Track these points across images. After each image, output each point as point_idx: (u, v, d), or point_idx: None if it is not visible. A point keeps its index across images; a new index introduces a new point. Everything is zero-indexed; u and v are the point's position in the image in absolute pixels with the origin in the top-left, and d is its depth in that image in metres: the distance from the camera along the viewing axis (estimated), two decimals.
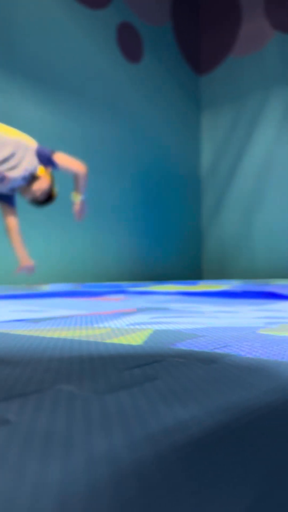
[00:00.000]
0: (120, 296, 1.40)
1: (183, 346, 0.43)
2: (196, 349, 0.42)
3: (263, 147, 4.56)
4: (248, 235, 4.53)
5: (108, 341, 0.44)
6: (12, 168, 1.96)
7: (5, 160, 1.92)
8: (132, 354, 0.37)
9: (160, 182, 4.40)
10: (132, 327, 0.60)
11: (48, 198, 2.04)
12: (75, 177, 2.10)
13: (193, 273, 4.81)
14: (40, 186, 1.98)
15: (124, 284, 3.14)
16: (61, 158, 2.04)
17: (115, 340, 0.45)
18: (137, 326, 0.60)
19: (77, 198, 2.07)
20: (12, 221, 2.27)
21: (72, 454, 0.18)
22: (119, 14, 3.99)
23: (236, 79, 4.79)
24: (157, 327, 0.59)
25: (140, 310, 0.88)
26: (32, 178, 2.00)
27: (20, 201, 3.05)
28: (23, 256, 2.26)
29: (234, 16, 4.82)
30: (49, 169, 2.00)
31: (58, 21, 3.44)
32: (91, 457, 0.17)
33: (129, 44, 4.08)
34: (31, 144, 1.94)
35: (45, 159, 1.99)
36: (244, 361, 0.38)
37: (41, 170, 2.01)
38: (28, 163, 1.96)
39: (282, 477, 0.16)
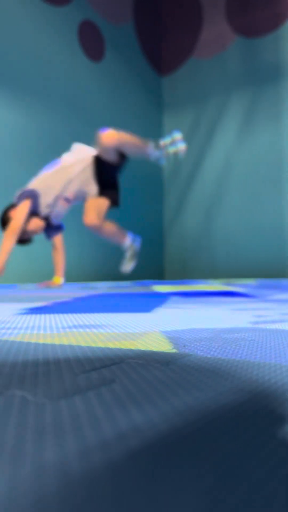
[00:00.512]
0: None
1: (143, 347, 0.43)
2: (155, 349, 0.42)
3: (223, 149, 4.64)
4: (209, 236, 4.60)
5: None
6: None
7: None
8: (90, 357, 0.36)
9: (122, 182, 4.39)
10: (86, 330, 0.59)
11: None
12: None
13: (155, 273, 4.84)
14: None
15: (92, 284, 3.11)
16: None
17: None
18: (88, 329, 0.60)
19: None
20: (58, 242, 2.71)
21: (20, 464, 0.17)
22: (81, 11, 3.95)
23: (198, 80, 4.86)
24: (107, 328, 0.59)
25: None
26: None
27: None
28: (57, 276, 2.66)
29: (196, 18, 4.88)
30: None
31: (17, 17, 3.37)
32: (40, 466, 0.17)
33: (91, 42, 4.05)
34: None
35: None
36: (202, 361, 0.38)
37: None
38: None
39: (235, 480, 0.16)
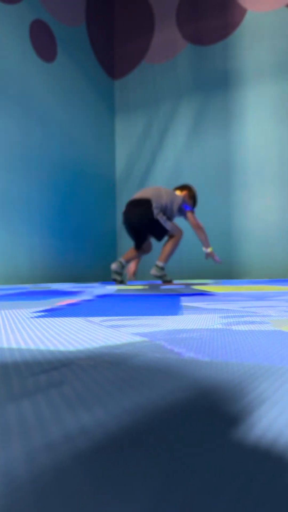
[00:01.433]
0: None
1: (94, 347, 0.43)
2: (106, 350, 0.42)
3: (174, 153, 4.71)
4: None
5: None
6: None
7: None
8: (39, 359, 0.35)
9: (75, 183, 4.36)
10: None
11: None
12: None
13: (108, 274, 4.82)
14: None
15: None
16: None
17: None
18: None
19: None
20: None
21: None
22: (32, 11, 3.89)
23: (149, 85, 4.90)
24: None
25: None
26: None
27: None
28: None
29: (148, 24, 4.93)
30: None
31: None
32: None
33: (43, 42, 3.99)
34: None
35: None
36: (152, 360, 0.38)
37: None
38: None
39: (183, 480, 0.17)
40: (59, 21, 4.21)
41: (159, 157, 4.79)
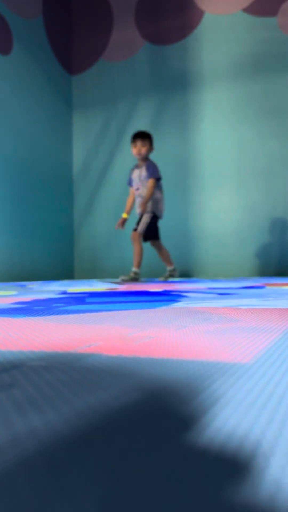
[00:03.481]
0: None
1: (47, 348, 0.42)
2: (59, 350, 0.42)
3: (131, 152, 4.71)
4: (118, 235, 4.64)
5: None
6: None
7: None
8: None
9: (30, 180, 4.27)
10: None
11: None
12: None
13: (65, 272, 4.77)
14: None
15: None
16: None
17: None
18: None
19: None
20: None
21: None
22: None
23: (107, 82, 4.88)
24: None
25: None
26: None
27: None
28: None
29: (106, 21, 4.90)
30: None
31: None
32: None
33: None
34: None
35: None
36: (106, 360, 0.38)
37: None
38: None
39: (132, 483, 0.17)
40: (15, 13, 4.11)
41: (117, 155, 4.78)
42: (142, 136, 3.27)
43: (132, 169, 3.40)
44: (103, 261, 4.76)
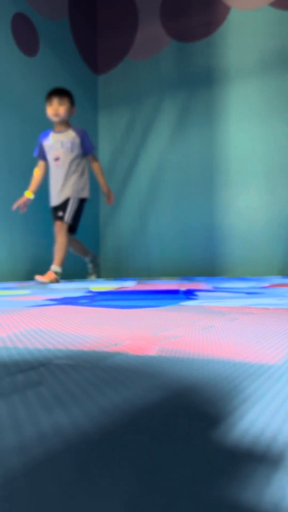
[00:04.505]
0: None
1: (74, 346, 0.42)
2: (85, 349, 0.42)
3: (157, 151, 4.71)
4: (144, 234, 4.65)
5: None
6: None
7: None
8: (15, 359, 0.35)
9: None
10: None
11: None
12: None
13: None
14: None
15: None
16: None
17: None
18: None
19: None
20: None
21: None
22: (14, 4, 3.84)
23: (132, 81, 4.89)
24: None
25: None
26: None
27: None
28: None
29: (132, 20, 4.91)
30: None
31: None
32: None
33: (25, 36, 3.95)
34: None
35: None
36: (131, 359, 0.38)
37: None
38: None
39: (158, 482, 0.16)
40: (41, 14, 4.17)
41: (142, 154, 4.79)
42: (59, 93, 2.68)
43: (44, 136, 2.78)
44: (128, 261, 4.77)
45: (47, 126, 4.21)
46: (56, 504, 0.14)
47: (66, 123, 2.68)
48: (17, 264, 3.77)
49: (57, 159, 2.60)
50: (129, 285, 2.29)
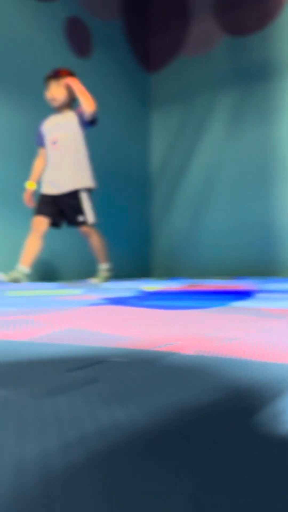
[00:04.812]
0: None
1: (128, 345, 0.43)
2: (139, 348, 0.43)
3: (211, 148, 4.66)
4: (197, 233, 4.62)
5: None
6: None
7: None
8: (73, 355, 0.36)
9: (108, 180, 4.39)
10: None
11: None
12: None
13: (142, 271, 4.84)
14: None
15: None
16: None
17: None
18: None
19: None
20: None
21: (0, 461, 0.17)
22: (67, 8, 3.94)
23: (186, 78, 4.87)
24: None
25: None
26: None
27: None
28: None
29: (184, 16, 4.88)
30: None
31: (3, 13, 3.35)
32: (20, 462, 0.17)
33: (78, 38, 4.04)
34: None
35: None
36: (187, 359, 0.38)
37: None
38: None
39: (215, 481, 0.17)
40: (94, 16, 4.24)
41: (196, 151, 4.75)
42: (56, 76, 2.38)
43: (44, 122, 2.49)
44: (181, 260, 4.76)
45: (103, 129, 4.29)
46: (115, 496, 0.15)
47: (68, 105, 2.40)
48: (66, 264, 3.87)
49: (54, 142, 2.35)
50: (181, 285, 2.29)
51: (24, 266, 2.28)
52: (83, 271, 3.94)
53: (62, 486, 0.15)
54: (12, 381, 0.28)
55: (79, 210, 2.34)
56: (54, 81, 2.35)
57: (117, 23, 4.56)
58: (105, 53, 4.37)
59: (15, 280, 2.22)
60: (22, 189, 2.83)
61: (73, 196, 2.34)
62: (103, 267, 2.49)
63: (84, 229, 2.37)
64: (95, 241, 2.42)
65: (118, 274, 4.41)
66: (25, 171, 3.09)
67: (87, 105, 2.32)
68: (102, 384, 0.29)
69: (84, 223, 2.34)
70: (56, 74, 2.37)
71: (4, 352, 0.37)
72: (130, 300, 1.12)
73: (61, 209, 2.41)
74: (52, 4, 3.75)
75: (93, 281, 2.44)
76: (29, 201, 2.43)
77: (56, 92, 2.34)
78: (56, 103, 2.37)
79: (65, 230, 3.78)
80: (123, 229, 4.57)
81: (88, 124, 2.43)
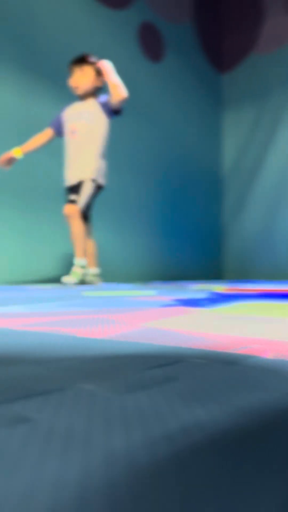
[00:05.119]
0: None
1: (205, 346, 0.43)
2: (217, 349, 0.42)
3: (286, 146, 4.50)
4: (270, 234, 4.48)
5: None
6: None
7: None
8: (152, 354, 0.37)
9: (179, 181, 4.39)
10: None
11: None
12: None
13: (213, 273, 4.78)
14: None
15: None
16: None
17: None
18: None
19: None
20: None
21: (91, 452, 0.18)
22: (140, 14, 4.00)
23: (258, 76, 4.75)
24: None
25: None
26: None
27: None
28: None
29: (256, 13, 4.77)
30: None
31: (79, 21, 3.48)
32: (109, 454, 0.18)
33: (151, 43, 4.09)
34: None
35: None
36: (266, 363, 0.37)
37: None
38: None
39: None
40: (166, 20, 4.27)
41: (270, 150, 4.62)
42: (80, 62, 2.24)
43: (65, 109, 2.36)
44: (253, 262, 4.64)
45: (176, 131, 4.30)
46: (202, 495, 0.15)
47: (92, 94, 2.27)
48: (145, 266, 3.91)
49: (73, 132, 2.22)
50: (255, 287, 2.23)
51: (81, 259, 2.17)
52: (153, 273, 3.98)
53: (149, 480, 0.16)
54: (95, 376, 0.29)
55: (76, 190, 2.18)
56: (78, 68, 2.22)
57: (189, 25, 4.56)
58: (177, 55, 4.39)
59: (86, 282, 2.18)
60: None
61: (81, 183, 2.20)
62: (79, 262, 2.18)
63: (70, 209, 2.15)
64: (76, 227, 2.14)
65: (189, 275, 4.39)
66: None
67: (118, 91, 2.18)
68: (182, 383, 0.29)
69: (73, 202, 2.15)
70: (82, 60, 2.24)
71: (86, 349, 0.39)
72: (202, 302, 1.11)
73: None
74: (125, 11, 3.84)
75: (66, 279, 2.13)
76: (3, 162, 2.27)
77: (80, 79, 2.22)
78: (79, 91, 2.24)
79: (138, 234, 3.83)
80: (194, 230, 4.55)
81: (112, 113, 2.29)
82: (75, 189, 2.19)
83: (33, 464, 0.17)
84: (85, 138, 2.22)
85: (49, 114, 3.20)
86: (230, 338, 0.50)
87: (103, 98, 2.28)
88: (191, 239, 4.52)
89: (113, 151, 3.66)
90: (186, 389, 0.27)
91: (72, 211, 2.14)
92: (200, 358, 0.36)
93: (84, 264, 2.19)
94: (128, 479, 0.16)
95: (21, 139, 2.60)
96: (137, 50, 3.96)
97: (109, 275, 3.54)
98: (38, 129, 3.12)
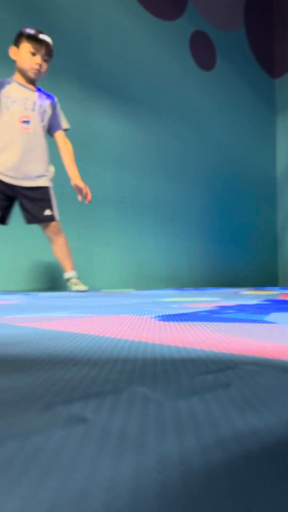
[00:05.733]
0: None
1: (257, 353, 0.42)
2: (269, 357, 0.41)
3: None
4: None
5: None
6: None
7: None
8: (204, 359, 0.37)
9: (232, 187, 4.34)
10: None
11: None
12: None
13: (268, 279, 4.67)
14: None
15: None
16: None
17: None
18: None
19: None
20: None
21: (144, 454, 0.18)
22: (192, 23, 4.01)
23: None
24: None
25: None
26: None
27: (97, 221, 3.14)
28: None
29: None
30: None
31: (132, 34, 3.54)
32: (163, 458, 0.18)
33: (202, 52, 4.09)
34: None
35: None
36: None
37: None
38: None
39: None
40: (218, 28, 4.26)
41: None
42: (50, 48, 1.96)
43: (4, 85, 1.95)
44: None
45: (230, 137, 4.27)
46: (254, 505, 0.15)
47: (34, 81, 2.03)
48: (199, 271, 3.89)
49: (26, 121, 1.94)
50: None
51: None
52: (208, 279, 3.94)
53: (201, 487, 0.16)
54: (148, 380, 0.29)
55: (47, 205, 2.03)
56: (47, 57, 1.97)
57: (240, 32, 4.52)
58: (229, 62, 4.36)
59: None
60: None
61: (40, 190, 2.03)
62: (72, 275, 2.14)
63: (51, 227, 2.04)
64: (61, 243, 2.06)
65: (245, 282, 4.32)
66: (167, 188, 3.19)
67: (76, 176, 2.11)
68: (234, 389, 0.28)
69: (51, 218, 2.02)
70: (51, 54, 2.00)
71: (140, 353, 0.39)
72: (253, 309, 1.09)
73: (14, 202, 2.09)
74: (177, 21, 3.86)
75: (76, 288, 2.10)
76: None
77: (44, 65, 1.97)
78: (38, 76, 1.98)
79: (191, 240, 3.82)
80: (249, 237, 4.48)
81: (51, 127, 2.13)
82: (42, 199, 2.05)
83: (89, 463, 0.17)
84: (39, 134, 2.03)
85: (106, 126, 3.27)
86: (284, 346, 0.49)
87: (51, 96, 2.08)
88: (247, 246, 4.45)
89: (166, 160, 3.68)
90: (238, 396, 0.27)
91: (55, 229, 2.06)
92: (252, 365, 0.36)
93: (76, 275, 2.17)
94: (181, 484, 0.16)
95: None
96: (189, 59, 3.97)
97: (158, 280, 3.54)
98: (98, 141, 3.18)
